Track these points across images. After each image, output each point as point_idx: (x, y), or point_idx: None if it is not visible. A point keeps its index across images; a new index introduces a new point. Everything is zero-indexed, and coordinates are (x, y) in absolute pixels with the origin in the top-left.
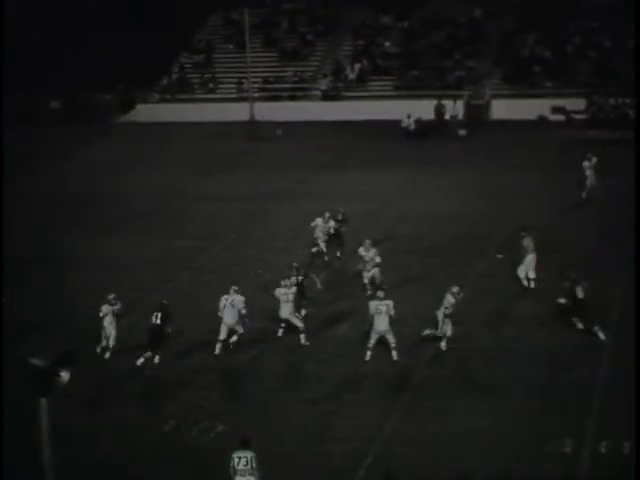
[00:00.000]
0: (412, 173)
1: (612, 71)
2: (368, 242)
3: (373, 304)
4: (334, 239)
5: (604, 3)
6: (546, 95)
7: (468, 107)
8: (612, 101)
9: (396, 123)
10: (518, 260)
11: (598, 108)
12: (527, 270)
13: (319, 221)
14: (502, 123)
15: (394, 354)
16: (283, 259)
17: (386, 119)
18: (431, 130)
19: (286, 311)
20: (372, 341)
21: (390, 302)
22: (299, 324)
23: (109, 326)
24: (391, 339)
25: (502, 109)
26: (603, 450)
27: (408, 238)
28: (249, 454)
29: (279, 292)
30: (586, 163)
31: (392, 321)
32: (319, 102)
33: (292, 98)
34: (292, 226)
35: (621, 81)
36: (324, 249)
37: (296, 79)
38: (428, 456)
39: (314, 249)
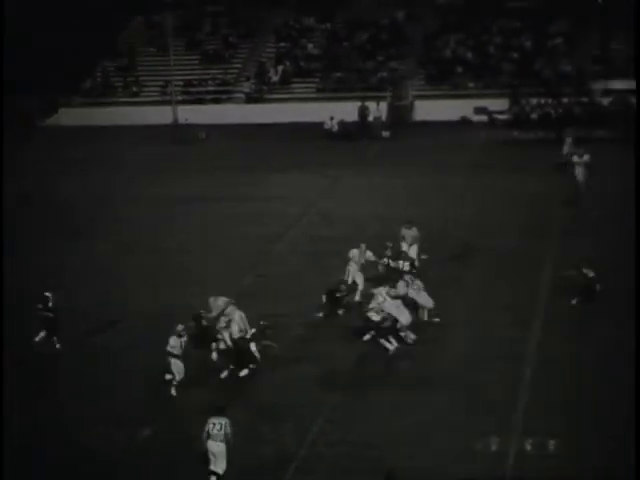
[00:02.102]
0: (335, 175)
1: (533, 72)
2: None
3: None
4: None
5: (525, 4)
6: (469, 96)
7: (391, 108)
8: (534, 101)
9: (319, 125)
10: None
11: (520, 108)
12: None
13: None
14: (425, 124)
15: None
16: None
17: (309, 121)
18: (354, 132)
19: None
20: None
21: None
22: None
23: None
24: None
25: (425, 110)
26: (529, 448)
27: (332, 240)
28: (223, 420)
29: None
30: (576, 157)
31: None
32: (242, 105)
33: (215, 101)
34: (215, 229)
35: (542, 81)
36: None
37: (219, 82)
38: (355, 457)
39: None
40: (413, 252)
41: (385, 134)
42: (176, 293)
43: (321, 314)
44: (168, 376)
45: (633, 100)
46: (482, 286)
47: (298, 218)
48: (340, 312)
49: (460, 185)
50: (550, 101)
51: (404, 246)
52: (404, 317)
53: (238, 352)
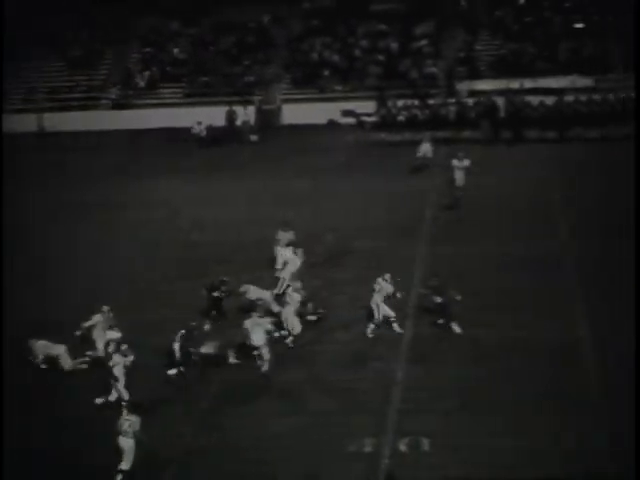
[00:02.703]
0: (204, 180)
1: (400, 74)
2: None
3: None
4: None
5: (390, 7)
6: (336, 99)
7: (259, 112)
8: (400, 103)
9: (187, 130)
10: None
11: (387, 111)
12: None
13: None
14: (293, 127)
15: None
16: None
17: (177, 126)
18: (223, 136)
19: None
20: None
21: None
22: None
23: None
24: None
25: (293, 113)
26: (403, 448)
27: (202, 245)
28: (134, 418)
29: None
30: (455, 162)
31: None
32: (109, 111)
33: (82, 108)
34: (84, 239)
35: (409, 83)
36: None
37: (85, 88)
38: (232, 462)
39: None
40: (288, 253)
41: (253, 138)
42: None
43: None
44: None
45: (498, 101)
46: (354, 288)
47: (167, 224)
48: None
49: (330, 187)
50: (417, 103)
51: (278, 249)
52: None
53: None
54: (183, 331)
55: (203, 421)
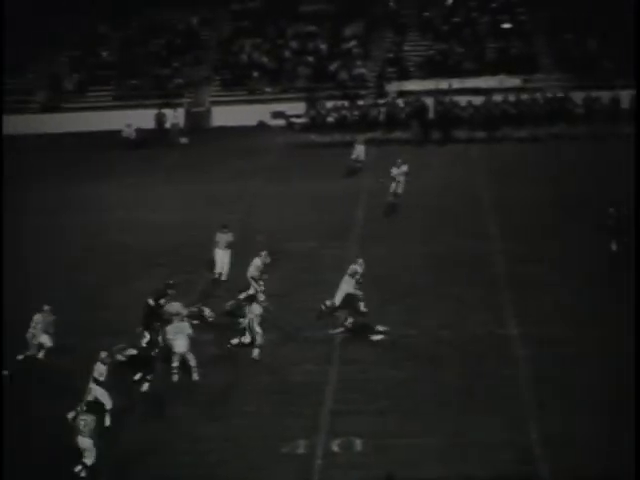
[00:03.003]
0: (135, 183)
1: (329, 75)
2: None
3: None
4: None
5: (320, 8)
6: (266, 100)
7: (189, 115)
8: (330, 105)
9: (117, 133)
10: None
11: (317, 112)
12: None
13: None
14: (223, 129)
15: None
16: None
17: (107, 129)
18: (152, 139)
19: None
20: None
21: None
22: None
23: None
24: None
25: (223, 115)
26: (336, 448)
27: (132, 248)
28: (88, 417)
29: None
30: (395, 170)
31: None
32: (38, 115)
33: (11, 111)
34: (14, 242)
35: (338, 84)
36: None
37: (14, 91)
38: (167, 466)
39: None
40: (226, 257)
41: (183, 140)
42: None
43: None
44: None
45: (428, 101)
46: (286, 290)
47: (99, 228)
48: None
49: (260, 189)
50: (346, 104)
51: (217, 251)
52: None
53: None
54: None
55: (135, 427)
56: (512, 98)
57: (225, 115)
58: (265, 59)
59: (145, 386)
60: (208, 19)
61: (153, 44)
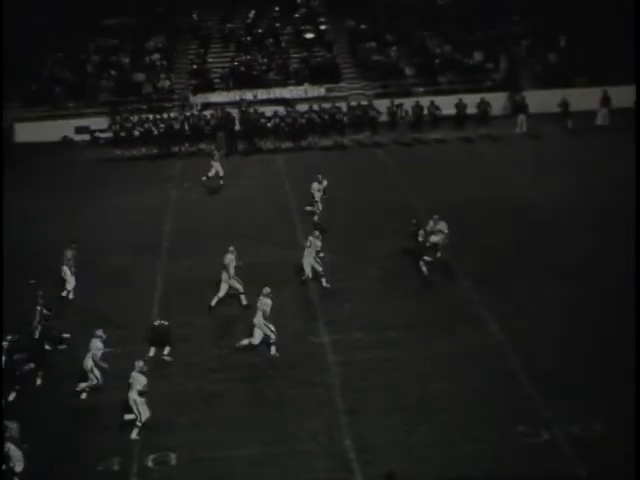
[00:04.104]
0: None
1: (134, 88)
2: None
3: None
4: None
5: (121, 22)
6: (70, 115)
7: None
8: (135, 118)
9: None
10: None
11: (121, 126)
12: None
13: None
14: (27, 146)
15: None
16: None
17: None
18: None
19: None
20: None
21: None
22: None
23: None
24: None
25: (26, 132)
26: (151, 464)
27: None
28: (14, 424)
29: None
30: (315, 185)
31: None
32: None
33: None
34: None
35: (143, 98)
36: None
37: None
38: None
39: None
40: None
41: None
42: None
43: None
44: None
45: (233, 113)
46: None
47: None
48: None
49: (68, 204)
50: (151, 117)
51: (65, 269)
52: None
53: None
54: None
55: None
56: (316, 107)
57: (29, 131)
58: (68, 74)
59: None
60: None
61: None
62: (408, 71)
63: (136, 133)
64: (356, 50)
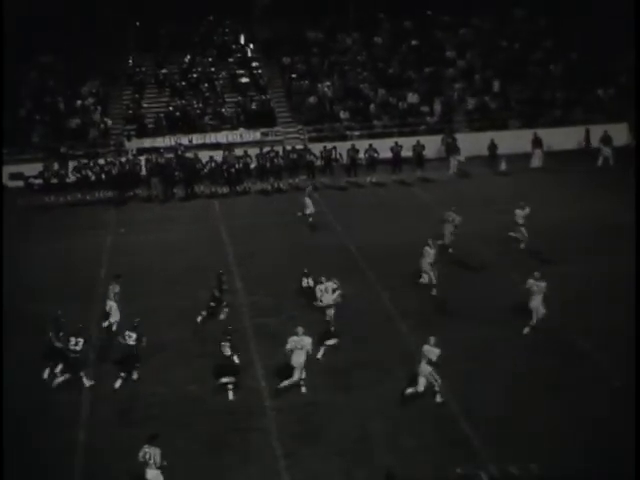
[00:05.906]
0: None
1: (68, 133)
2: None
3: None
4: None
5: (55, 63)
6: (4, 161)
7: None
8: (70, 164)
9: None
10: None
11: (56, 172)
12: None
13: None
14: None
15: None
16: None
17: None
18: None
19: None
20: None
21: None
22: None
23: None
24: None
25: None
26: None
27: None
28: (152, 450)
29: None
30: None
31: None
32: None
33: None
34: None
35: (78, 142)
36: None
37: None
38: None
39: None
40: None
41: None
42: None
43: None
44: None
45: (169, 158)
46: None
47: None
48: None
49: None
50: (86, 162)
51: (111, 303)
52: None
53: None
54: None
55: None
56: (252, 152)
57: None
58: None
59: None
60: None
61: None
62: (342, 115)
63: (71, 178)
64: (291, 94)
